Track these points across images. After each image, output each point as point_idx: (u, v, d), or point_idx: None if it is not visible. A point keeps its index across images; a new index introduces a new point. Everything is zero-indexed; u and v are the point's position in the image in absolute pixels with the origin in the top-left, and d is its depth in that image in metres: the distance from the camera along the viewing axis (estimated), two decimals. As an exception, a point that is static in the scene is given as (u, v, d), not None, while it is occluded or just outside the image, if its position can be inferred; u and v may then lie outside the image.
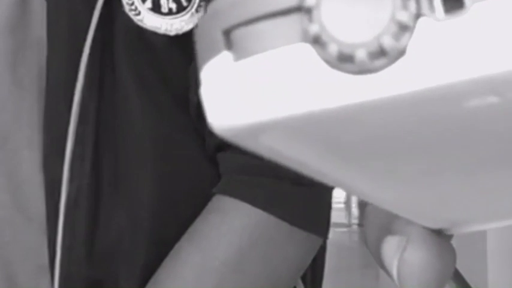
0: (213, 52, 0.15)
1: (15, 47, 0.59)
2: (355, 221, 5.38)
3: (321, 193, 0.63)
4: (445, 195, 0.19)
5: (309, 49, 0.14)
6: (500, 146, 0.16)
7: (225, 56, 0.15)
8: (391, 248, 0.23)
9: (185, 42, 0.60)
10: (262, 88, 0.15)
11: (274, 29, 0.14)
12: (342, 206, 5.76)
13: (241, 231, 0.60)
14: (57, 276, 0.57)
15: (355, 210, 5.65)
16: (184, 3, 0.60)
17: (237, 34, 0.15)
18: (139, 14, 0.59)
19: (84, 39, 0.58)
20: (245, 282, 0.60)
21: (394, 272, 0.23)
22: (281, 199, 0.61)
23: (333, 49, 0.14)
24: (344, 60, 0.14)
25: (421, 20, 0.13)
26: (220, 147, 0.62)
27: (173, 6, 0.60)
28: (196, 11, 0.60)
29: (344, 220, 5.33)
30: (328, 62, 0.14)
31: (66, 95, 0.58)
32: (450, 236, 0.23)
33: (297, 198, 0.61)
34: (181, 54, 0.61)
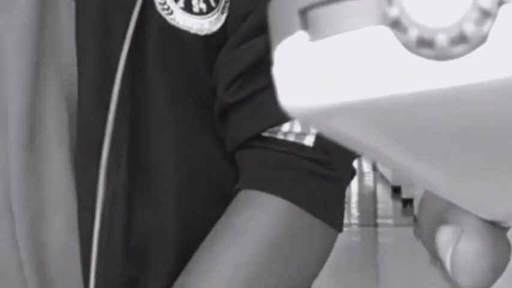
0: (287, 31, 0.15)
1: (41, 46, 0.59)
2: (355, 221, 5.37)
3: (339, 186, 0.64)
4: (504, 188, 0.19)
5: (387, 32, 0.14)
6: None
7: (301, 36, 0.15)
8: (445, 237, 0.22)
9: (211, 43, 0.61)
10: (338, 70, 0.14)
11: (353, 11, 0.14)
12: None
13: (272, 224, 0.60)
14: (93, 275, 0.58)
15: (355, 211, 5.64)
16: (213, 4, 0.61)
17: (313, 14, 0.14)
18: (171, 13, 0.60)
19: (118, 41, 0.58)
20: (275, 276, 0.61)
21: (448, 262, 0.22)
22: (306, 191, 0.62)
23: (413, 33, 0.13)
24: (423, 45, 0.13)
25: (503, 7, 0.13)
26: (240, 146, 0.63)
27: (203, 6, 0.60)
28: (222, 12, 0.61)
29: (344, 220, 5.31)
30: (407, 46, 0.14)
31: (100, 97, 0.58)
32: (506, 229, 0.23)
33: (318, 191, 0.62)
34: (207, 55, 0.62)
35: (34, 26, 0.58)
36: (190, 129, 0.63)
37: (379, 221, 4.96)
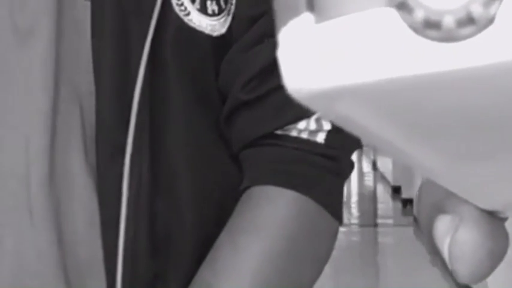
0: (293, 13, 0.15)
1: (55, 55, 0.59)
2: (355, 221, 5.38)
3: (342, 179, 0.66)
4: (504, 177, 0.19)
5: (393, 14, 0.14)
6: None
7: (306, 17, 0.15)
8: (443, 227, 0.22)
9: (219, 44, 0.62)
10: (344, 52, 0.14)
11: None
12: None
13: (292, 218, 0.62)
14: (120, 271, 0.58)
15: (355, 211, 5.64)
16: (223, 6, 0.62)
17: None
18: (189, 14, 0.61)
19: (137, 43, 0.59)
20: (297, 269, 0.63)
21: (446, 252, 0.22)
22: (319, 186, 0.63)
23: (419, 15, 0.13)
24: (430, 27, 0.13)
25: None
26: (250, 144, 0.64)
27: (215, 8, 0.62)
28: (228, 14, 0.62)
29: (344, 220, 5.32)
30: (413, 28, 0.14)
31: (120, 98, 0.59)
32: (504, 219, 0.23)
33: (328, 185, 0.64)
34: (216, 56, 0.63)
35: (53, 53, 0.59)
36: (202, 130, 0.64)
37: (379, 221, 4.96)
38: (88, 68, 0.60)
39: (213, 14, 0.62)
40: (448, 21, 0.13)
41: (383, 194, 5.98)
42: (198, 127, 0.63)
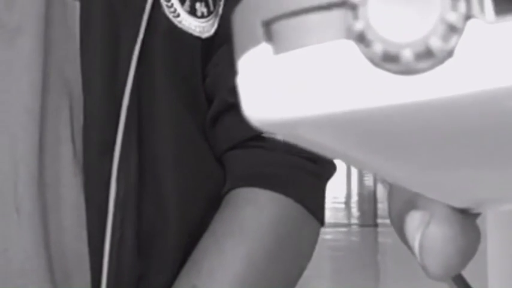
0: (251, 43, 0.15)
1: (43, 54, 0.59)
2: (355, 221, 5.38)
3: (325, 182, 0.67)
4: (474, 178, 0.19)
5: (352, 46, 0.14)
6: None
7: (265, 48, 0.15)
8: (414, 222, 0.22)
9: (207, 46, 0.63)
10: (302, 83, 0.14)
11: (317, 24, 0.14)
12: (342, 206, 5.75)
13: (276, 221, 0.63)
14: (106, 271, 0.59)
15: (355, 210, 5.65)
16: (211, 8, 0.63)
17: (277, 26, 0.14)
18: (178, 15, 0.61)
19: (127, 43, 0.59)
20: (282, 271, 0.64)
21: (416, 247, 0.22)
22: (302, 188, 0.64)
23: (377, 48, 0.13)
24: (389, 60, 0.13)
25: (470, 21, 0.13)
26: (234, 146, 0.65)
27: (204, 10, 0.62)
28: (216, 15, 0.63)
29: (344, 220, 5.33)
30: (372, 60, 0.13)
31: (108, 96, 0.59)
32: (476, 215, 0.23)
33: (311, 188, 0.65)
34: (203, 58, 0.64)
35: (41, 52, 0.59)
36: (188, 131, 0.64)
37: (379, 221, 4.95)
38: (77, 68, 0.59)
39: (202, 16, 0.62)
40: (407, 54, 0.13)
41: (383, 194, 5.98)
42: (184, 128, 0.64)
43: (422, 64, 0.13)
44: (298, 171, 0.64)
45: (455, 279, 1.59)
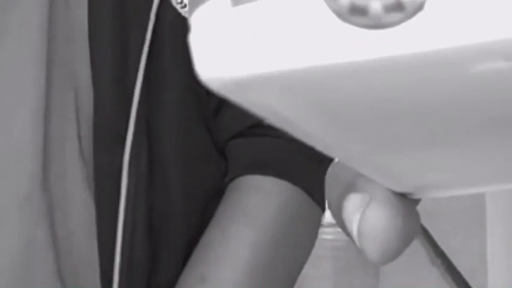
0: None
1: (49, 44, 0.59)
2: (355, 221, 5.36)
3: (324, 168, 0.67)
4: (425, 158, 0.18)
5: None
6: (497, 114, 0.15)
7: (221, 0, 0.14)
8: (353, 204, 0.22)
9: None
10: (262, 38, 0.13)
11: None
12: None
13: (284, 208, 0.63)
14: (118, 267, 0.59)
15: (355, 210, 5.63)
16: None
17: None
18: (185, 6, 0.62)
19: (136, 36, 0.60)
20: (288, 256, 0.64)
21: (355, 229, 0.22)
22: (302, 174, 0.65)
23: (344, 0, 0.13)
24: (356, 13, 0.12)
25: None
26: (234, 136, 0.66)
27: None
28: None
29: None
30: (338, 14, 0.13)
31: (118, 87, 0.60)
32: (415, 201, 0.23)
33: (311, 173, 0.65)
34: None
35: (44, 41, 0.59)
36: (192, 121, 0.65)
37: (379, 221, 4.95)
38: (86, 61, 0.59)
39: None
40: (375, 6, 0.12)
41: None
42: (189, 118, 0.64)
43: (392, 17, 0.12)
44: (300, 157, 0.64)
45: (455, 279, 1.59)
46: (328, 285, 3.59)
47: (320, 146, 0.18)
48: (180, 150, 0.63)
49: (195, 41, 0.14)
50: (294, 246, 0.65)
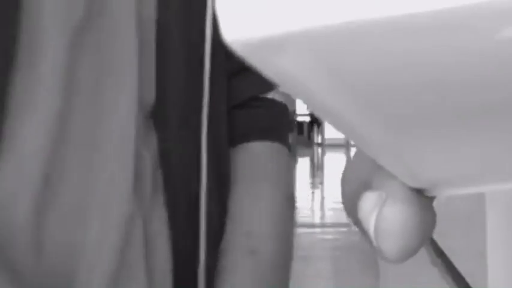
0: None
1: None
2: (355, 221, 5.36)
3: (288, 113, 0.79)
4: (436, 148, 0.18)
5: None
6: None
7: None
8: (369, 203, 0.21)
9: None
10: None
11: None
12: (342, 206, 5.74)
13: (282, 165, 0.75)
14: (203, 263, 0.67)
15: (355, 210, 5.63)
16: None
17: None
18: None
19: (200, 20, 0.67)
20: (291, 206, 0.74)
21: (371, 228, 0.21)
22: (286, 134, 0.76)
23: None
24: None
25: None
26: (235, 106, 0.73)
27: None
28: None
29: (344, 220, 5.33)
30: None
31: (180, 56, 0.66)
32: (431, 198, 0.22)
33: (287, 130, 0.77)
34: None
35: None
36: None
37: (379, 221, 4.95)
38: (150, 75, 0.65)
39: None
40: None
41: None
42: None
43: None
44: (280, 121, 0.75)
45: (455, 279, 1.59)
46: (328, 285, 3.59)
47: (338, 123, 0.17)
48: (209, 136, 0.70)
49: (221, 5, 0.14)
50: (291, 186, 0.76)
